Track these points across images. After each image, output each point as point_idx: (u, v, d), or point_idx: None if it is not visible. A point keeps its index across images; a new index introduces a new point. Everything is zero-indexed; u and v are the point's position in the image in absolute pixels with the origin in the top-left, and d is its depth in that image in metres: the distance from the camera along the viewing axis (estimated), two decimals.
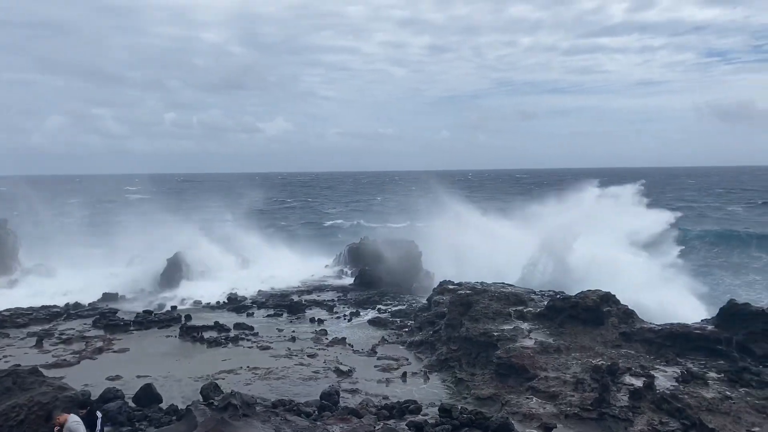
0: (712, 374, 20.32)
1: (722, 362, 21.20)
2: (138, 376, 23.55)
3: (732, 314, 22.61)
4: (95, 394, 20.24)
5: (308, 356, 27.07)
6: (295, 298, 40.04)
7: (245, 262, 48.84)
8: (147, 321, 33.34)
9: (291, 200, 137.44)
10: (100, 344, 28.89)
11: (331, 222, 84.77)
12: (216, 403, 16.34)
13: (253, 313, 36.35)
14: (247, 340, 30.05)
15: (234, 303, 38.74)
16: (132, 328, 32.37)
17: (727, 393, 18.62)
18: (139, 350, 28.38)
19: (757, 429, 16.77)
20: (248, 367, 25.16)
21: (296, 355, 27.17)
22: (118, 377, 23.66)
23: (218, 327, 32.14)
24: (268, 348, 28.52)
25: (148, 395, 20.69)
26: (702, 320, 24.01)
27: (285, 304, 37.96)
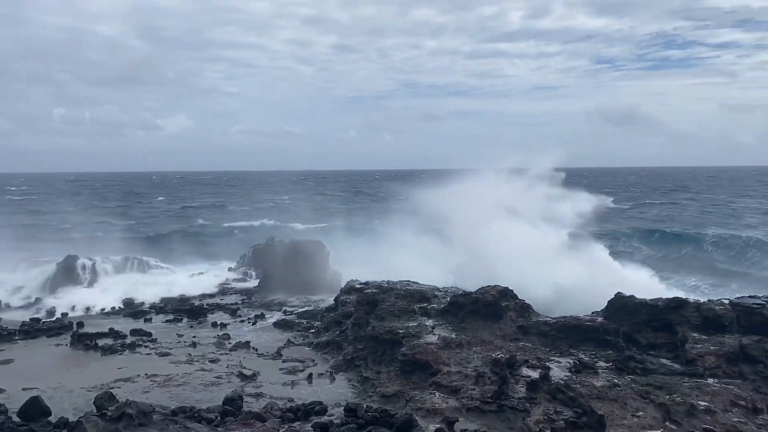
0: (602, 363, 21.58)
1: (610, 352, 22.53)
2: (24, 389, 22.06)
3: (619, 306, 24.06)
4: None
5: (210, 361, 26.38)
6: (197, 302, 38.89)
7: (142, 266, 46.86)
8: (34, 329, 31.35)
9: (192, 200, 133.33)
10: None
11: (234, 223, 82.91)
12: (110, 414, 15.60)
13: (151, 319, 35.00)
14: (145, 346, 28.90)
15: (130, 308, 37.15)
16: (17, 337, 30.33)
17: (615, 381, 19.80)
18: (26, 361, 26.62)
19: (641, 413, 17.97)
20: (146, 374, 24.21)
21: (197, 361, 26.40)
22: (0, 391, 22.06)
23: (113, 334, 30.70)
24: (167, 354, 27.55)
25: (35, 408, 19.39)
26: (592, 312, 25.39)
27: (185, 308, 36.78)
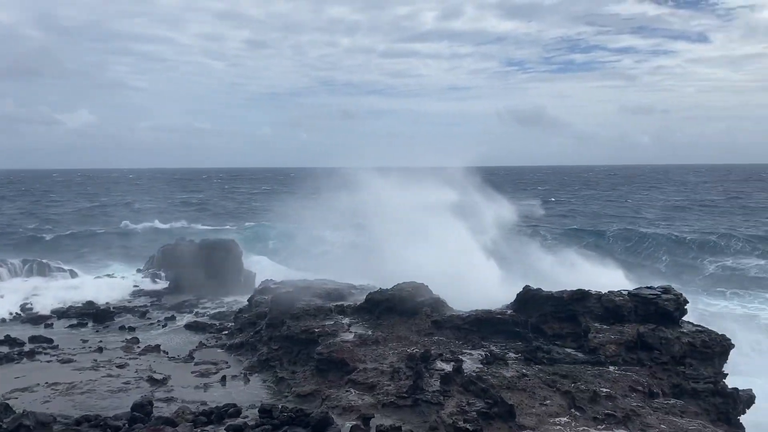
0: (512, 354, 22.30)
1: (520, 343, 23.32)
2: None
3: (527, 299, 24.90)
4: None
5: (117, 367, 25.33)
6: (103, 305, 37.15)
7: (43, 269, 44.26)
8: None
9: (97, 199, 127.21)
10: None
11: (141, 224, 79.73)
12: (5, 426, 14.68)
13: (52, 324, 33.19)
14: (45, 353, 27.39)
15: (29, 314, 35.03)
16: None
17: (524, 371, 20.46)
18: None
19: (548, 401, 18.65)
20: (46, 383, 22.94)
21: (104, 367, 25.28)
22: None
23: (9, 341, 28.88)
24: (70, 361, 26.22)
25: None
26: (503, 305, 26.17)
27: (90, 312, 35.08)
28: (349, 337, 24.02)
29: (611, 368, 21.31)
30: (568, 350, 22.55)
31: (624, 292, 24.69)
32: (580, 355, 22.19)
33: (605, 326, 23.26)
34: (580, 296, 24.24)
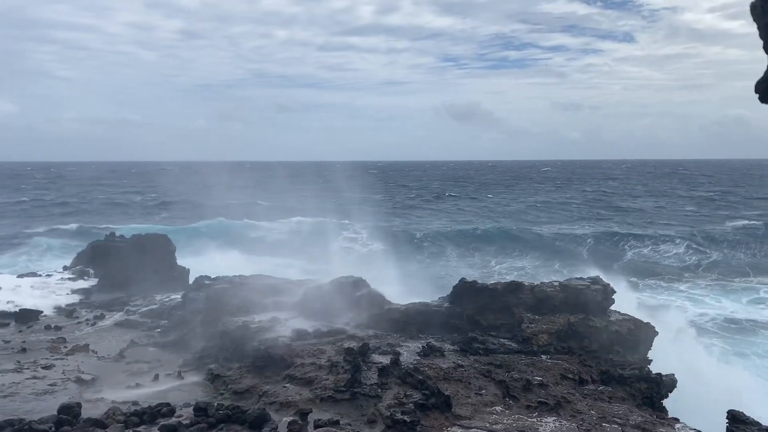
0: (448, 346, 22.69)
1: (456, 335, 23.79)
2: None
3: (463, 291, 25.34)
4: None
5: (43, 368, 24.17)
6: (26, 304, 35.39)
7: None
8: None
9: (19, 195, 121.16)
10: None
11: (70, 220, 76.51)
12: None
13: None
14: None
15: None
16: None
17: (459, 362, 20.88)
18: None
19: (483, 391, 19.17)
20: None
21: (28, 368, 24.06)
22: None
23: None
24: None
25: None
26: (440, 297, 26.61)
27: (12, 311, 33.37)
28: (287, 332, 23.78)
29: (543, 357, 21.97)
30: (503, 341, 23.11)
31: (555, 283, 25.46)
32: (514, 345, 22.75)
33: (537, 316, 23.93)
34: (514, 288, 24.87)
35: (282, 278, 32.05)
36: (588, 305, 24.12)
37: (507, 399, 18.99)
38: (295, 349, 22.19)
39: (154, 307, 34.74)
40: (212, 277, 32.59)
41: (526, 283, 25.28)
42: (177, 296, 34.56)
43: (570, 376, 20.74)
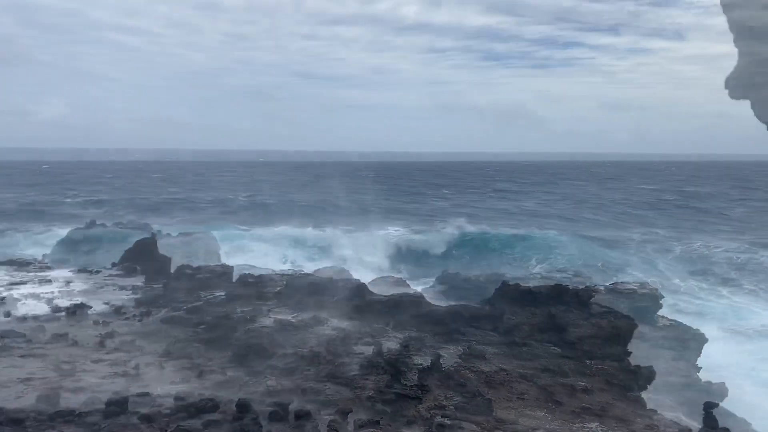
0: (490, 348, 21.49)
1: (498, 337, 22.41)
2: None
3: (505, 293, 24.14)
4: None
5: (92, 362, 22.73)
6: (78, 300, 33.28)
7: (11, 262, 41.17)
8: None
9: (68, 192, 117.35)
10: None
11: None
12: None
13: (25, 318, 29.04)
14: (19, 348, 24.10)
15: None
16: None
17: (502, 365, 19.84)
18: None
19: (526, 395, 17.90)
20: (19, 378, 20.53)
21: (78, 362, 22.64)
22: None
23: None
24: (44, 356, 23.46)
25: None
26: (481, 300, 25.54)
27: (65, 306, 31.27)
28: (269, 322, 23.38)
29: (588, 362, 20.22)
30: (546, 345, 21.33)
31: (601, 287, 24.50)
32: (557, 349, 20.95)
33: (582, 320, 22.20)
34: (558, 291, 23.44)
35: (265, 268, 32.47)
36: (635, 310, 22.20)
37: (550, 404, 17.73)
38: (277, 340, 21.65)
39: (198, 304, 32.84)
40: (194, 266, 32.27)
41: (571, 287, 24.34)
42: (221, 293, 32.91)
43: (615, 382, 19.60)
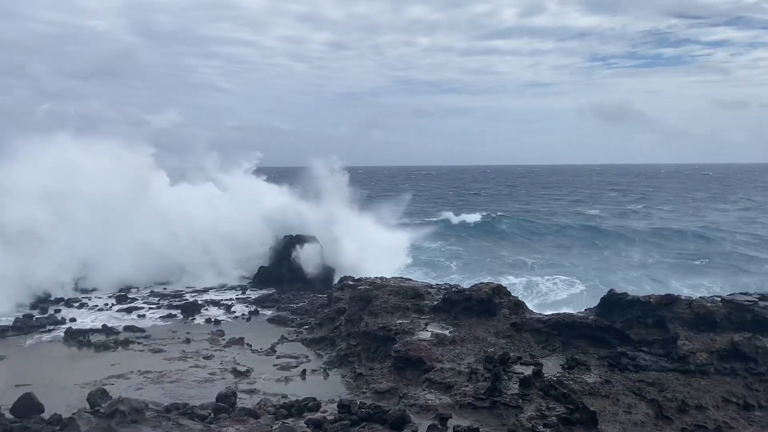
0: (594, 360, 21.64)
1: (603, 348, 22.57)
2: (16, 386, 21.97)
3: (611, 303, 23.98)
4: None
5: (204, 358, 26.33)
6: (190, 297, 38.80)
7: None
8: (27, 325, 31.21)
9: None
10: None
11: None
12: (102, 411, 15.58)
13: (144, 315, 34.88)
14: (138, 343, 28.80)
15: (123, 304, 37.02)
16: (9, 333, 30.16)
17: (607, 377, 19.85)
18: (18, 357, 26.57)
19: (633, 410, 18.05)
20: (139, 371, 24.09)
21: (191, 357, 26.35)
22: None
23: (106, 330, 30.64)
24: (160, 351, 27.48)
25: (27, 405, 19.36)
26: (585, 309, 25.42)
27: (179, 304, 36.69)
28: (426, 335, 23.88)
29: (701, 378, 20.28)
30: (655, 357, 21.58)
31: (717, 298, 23.43)
32: (667, 363, 21.20)
33: (695, 333, 22.12)
34: (669, 301, 23.16)
35: (421, 282, 32.33)
36: (756, 323, 21.91)
37: (659, 420, 17.87)
38: (435, 354, 22.18)
39: (302, 304, 36.54)
40: (356, 277, 33.65)
41: (683, 297, 23.39)
42: (324, 295, 36.14)
43: (734, 399, 19.09)
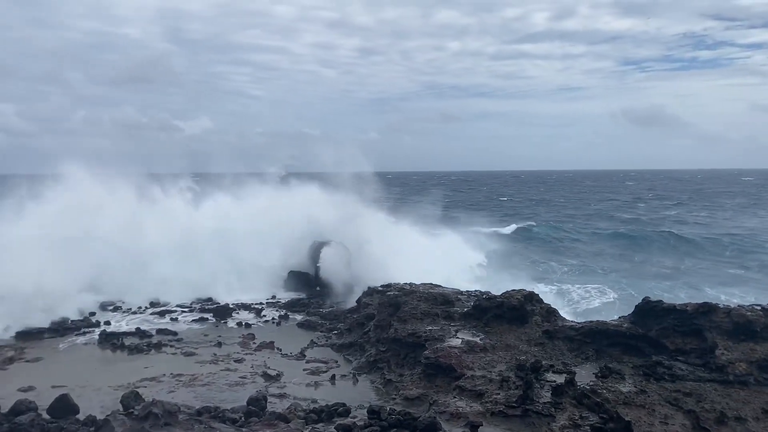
0: (629, 369, 21.28)
1: (637, 357, 22.20)
2: (53, 387, 22.48)
3: (646, 311, 23.64)
4: (5, 407, 19.22)
5: (235, 361, 26.57)
6: (222, 301, 39.16)
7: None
8: (63, 328, 31.86)
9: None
10: (10, 354, 27.37)
11: None
12: (136, 413, 15.80)
13: (177, 318, 35.34)
14: (171, 346, 29.18)
15: (156, 307, 37.55)
16: (46, 335, 30.83)
17: (642, 387, 19.51)
18: (54, 359, 27.12)
19: (669, 420, 17.70)
20: (172, 374, 24.46)
21: (222, 361, 26.61)
22: (30, 388, 22.50)
23: (140, 333, 31.10)
24: (192, 354, 27.80)
25: (63, 406, 19.77)
26: (619, 317, 25.08)
27: (211, 308, 37.09)
28: (457, 342, 23.75)
29: (740, 388, 19.76)
30: (692, 367, 21.13)
31: (757, 307, 22.86)
32: (705, 372, 20.72)
33: (734, 343, 21.60)
34: (707, 309, 22.68)
35: (451, 288, 32.11)
36: None
37: (696, 431, 17.48)
38: (465, 361, 22.05)
39: (331, 309, 36.66)
40: (384, 283, 33.42)
41: (722, 305, 22.92)
42: (352, 300, 36.17)
43: None
